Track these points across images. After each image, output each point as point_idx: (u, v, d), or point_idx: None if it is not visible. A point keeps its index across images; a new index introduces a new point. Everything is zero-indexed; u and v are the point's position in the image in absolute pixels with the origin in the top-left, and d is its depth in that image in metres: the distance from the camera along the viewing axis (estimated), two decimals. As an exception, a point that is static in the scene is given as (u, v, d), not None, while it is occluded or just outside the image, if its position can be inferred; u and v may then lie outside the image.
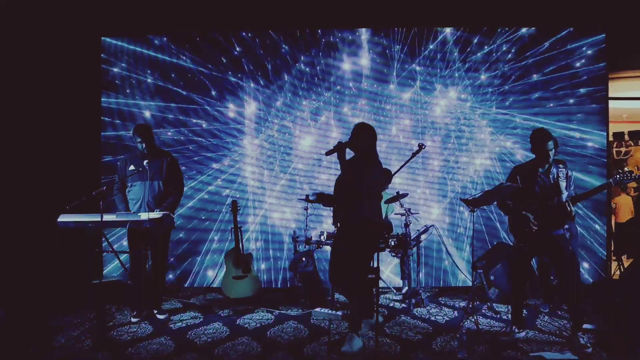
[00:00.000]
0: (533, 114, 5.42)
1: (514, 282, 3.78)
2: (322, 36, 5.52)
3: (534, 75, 5.40)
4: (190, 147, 5.57)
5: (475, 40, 5.43)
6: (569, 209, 3.43)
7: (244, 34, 5.55)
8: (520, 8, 5.31)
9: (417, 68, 5.50)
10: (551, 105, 5.40)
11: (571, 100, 5.39)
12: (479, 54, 5.44)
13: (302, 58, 5.54)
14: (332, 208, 4.48)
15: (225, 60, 5.55)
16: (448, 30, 5.46)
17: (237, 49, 5.55)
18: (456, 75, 5.48)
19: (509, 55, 5.43)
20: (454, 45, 5.45)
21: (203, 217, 5.56)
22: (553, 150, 3.52)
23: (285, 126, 5.60)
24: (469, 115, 5.50)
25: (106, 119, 5.54)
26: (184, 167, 5.47)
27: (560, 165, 3.58)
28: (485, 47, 5.44)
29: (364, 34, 5.51)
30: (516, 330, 3.71)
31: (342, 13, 5.40)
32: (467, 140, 5.52)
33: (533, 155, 3.60)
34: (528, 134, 3.80)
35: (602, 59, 5.34)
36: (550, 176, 3.55)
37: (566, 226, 3.60)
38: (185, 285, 5.51)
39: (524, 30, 5.41)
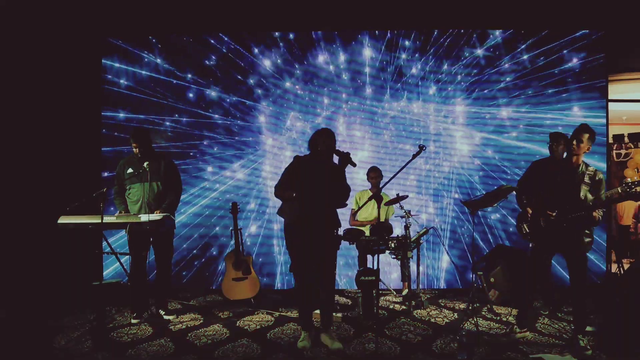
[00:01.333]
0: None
1: (526, 281, 3.75)
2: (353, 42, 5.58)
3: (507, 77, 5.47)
4: (207, 143, 5.58)
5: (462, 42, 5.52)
6: (595, 214, 3.37)
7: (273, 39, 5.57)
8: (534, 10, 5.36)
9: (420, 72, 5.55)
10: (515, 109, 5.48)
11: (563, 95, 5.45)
12: (465, 59, 5.51)
13: (331, 64, 5.58)
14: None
15: (245, 62, 5.58)
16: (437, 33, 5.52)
17: (257, 50, 5.58)
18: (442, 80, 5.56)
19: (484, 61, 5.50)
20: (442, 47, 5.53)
21: (213, 220, 5.57)
22: (582, 145, 3.41)
23: (305, 130, 5.61)
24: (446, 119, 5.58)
25: (112, 109, 5.57)
26: (209, 165, 5.56)
27: (590, 168, 3.49)
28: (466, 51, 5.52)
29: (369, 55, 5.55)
30: (517, 330, 3.71)
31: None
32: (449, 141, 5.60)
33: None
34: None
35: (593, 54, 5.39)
36: (576, 176, 3.47)
37: (586, 231, 3.53)
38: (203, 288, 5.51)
39: (494, 34, 5.43)
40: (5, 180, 5.01)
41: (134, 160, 4.23)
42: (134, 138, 4.14)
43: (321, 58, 5.58)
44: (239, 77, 5.57)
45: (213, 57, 5.57)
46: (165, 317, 4.30)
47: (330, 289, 3.63)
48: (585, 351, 3.36)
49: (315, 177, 3.47)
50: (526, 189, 3.77)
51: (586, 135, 3.40)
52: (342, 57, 5.57)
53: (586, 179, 3.43)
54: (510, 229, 5.43)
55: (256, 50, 5.57)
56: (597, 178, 3.44)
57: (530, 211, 3.69)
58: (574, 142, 3.42)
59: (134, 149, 4.16)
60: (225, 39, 5.56)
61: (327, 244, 3.54)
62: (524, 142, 5.47)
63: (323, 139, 3.50)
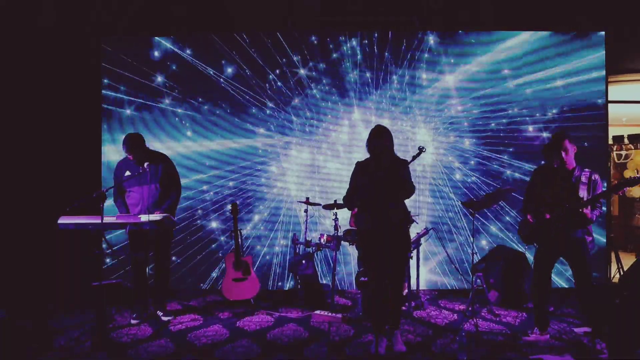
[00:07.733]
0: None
1: (535, 284, 3.75)
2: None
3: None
4: (239, 149, 5.59)
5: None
6: (584, 211, 3.42)
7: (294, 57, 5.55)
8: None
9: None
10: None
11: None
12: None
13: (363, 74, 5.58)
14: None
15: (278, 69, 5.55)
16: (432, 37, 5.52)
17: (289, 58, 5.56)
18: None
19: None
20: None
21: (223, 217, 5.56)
22: (568, 152, 3.52)
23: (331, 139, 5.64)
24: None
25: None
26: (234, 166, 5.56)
27: (586, 169, 3.56)
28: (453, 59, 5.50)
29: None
30: (537, 332, 3.71)
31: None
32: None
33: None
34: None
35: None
36: (573, 179, 3.53)
37: (583, 230, 3.56)
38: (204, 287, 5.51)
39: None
40: (4, 180, 5.01)
41: (132, 163, 4.16)
42: (125, 147, 4.06)
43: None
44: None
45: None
46: (163, 318, 4.29)
47: (399, 290, 3.61)
48: (600, 355, 3.34)
49: (372, 181, 3.38)
50: (532, 195, 3.79)
51: (565, 141, 3.52)
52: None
53: (583, 179, 3.51)
54: (512, 229, 5.44)
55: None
56: (592, 178, 3.53)
57: (530, 217, 3.72)
58: (562, 154, 3.52)
59: (126, 155, 4.11)
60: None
61: (395, 244, 3.42)
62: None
63: (371, 141, 3.47)
